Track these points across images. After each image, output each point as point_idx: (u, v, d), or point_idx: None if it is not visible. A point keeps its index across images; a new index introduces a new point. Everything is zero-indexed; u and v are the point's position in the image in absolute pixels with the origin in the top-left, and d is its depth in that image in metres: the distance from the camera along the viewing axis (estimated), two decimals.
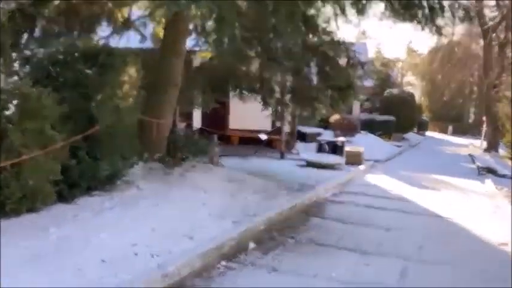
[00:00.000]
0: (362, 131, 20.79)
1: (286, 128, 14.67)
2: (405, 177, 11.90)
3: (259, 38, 8.67)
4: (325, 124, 18.18)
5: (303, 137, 16.63)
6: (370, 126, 22.62)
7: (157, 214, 5.26)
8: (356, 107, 25.71)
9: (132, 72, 5.61)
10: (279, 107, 10.92)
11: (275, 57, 9.13)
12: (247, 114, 13.38)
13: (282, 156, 13.46)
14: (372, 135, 20.83)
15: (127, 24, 8.56)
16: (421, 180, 11.72)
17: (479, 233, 6.64)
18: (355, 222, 6.77)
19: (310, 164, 12.18)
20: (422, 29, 7.01)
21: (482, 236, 6.45)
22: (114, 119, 5.33)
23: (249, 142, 14.30)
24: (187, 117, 14.09)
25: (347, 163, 13.02)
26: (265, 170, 10.86)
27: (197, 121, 15.38)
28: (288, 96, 10.78)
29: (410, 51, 46.23)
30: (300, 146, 16.00)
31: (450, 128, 37.87)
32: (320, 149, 13.47)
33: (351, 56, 8.95)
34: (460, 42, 29.11)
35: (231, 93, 11.19)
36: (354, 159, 13.17)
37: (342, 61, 9.77)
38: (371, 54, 35.74)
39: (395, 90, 26.44)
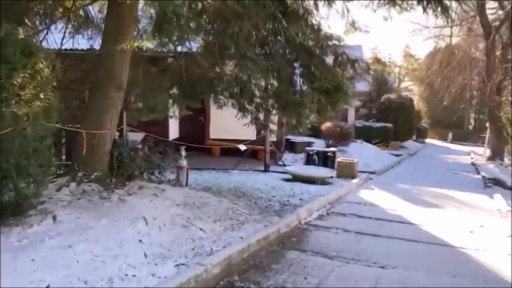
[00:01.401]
0: (357, 140, 19.43)
1: (273, 137, 13.27)
2: (404, 192, 10.48)
3: (231, 31, 7.33)
4: (317, 132, 16.78)
5: (292, 147, 15.23)
6: (366, 134, 21.33)
7: (65, 260, 3.83)
8: (351, 113, 24.39)
9: (40, 69, 4.19)
10: (260, 114, 9.49)
11: (250, 55, 7.79)
12: (230, 122, 11.97)
13: (266, 169, 12.06)
14: (368, 144, 19.47)
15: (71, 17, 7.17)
16: (422, 195, 10.31)
17: (497, 266, 5.25)
18: (343, 256, 5.35)
19: (296, 178, 10.78)
20: (425, 10, 5.62)
21: (503, 274, 5.05)
22: (8, 130, 3.91)
23: (232, 154, 12.90)
24: (161, 126, 12.68)
25: (339, 176, 11.64)
26: (243, 187, 9.47)
27: (173, 131, 14.00)
28: (269, 102, 9.37)
29: (408, 56, 45.08)
30: (288, 157, 14.63)
31: (450, 134, 36.55)
32: (308, 160, 12.09)
33: (338, 53, 7.56)
34: (459, 44, 27.86)
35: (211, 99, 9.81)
36: (347, 172, 11.77)
37: (330, 60, 8.40)
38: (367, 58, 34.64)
39: (392, 96, 25.10)
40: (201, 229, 5.06)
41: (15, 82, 3.97)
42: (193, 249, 4.71)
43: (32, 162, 4.14)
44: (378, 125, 22.64)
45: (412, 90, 45.46)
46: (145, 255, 4.22)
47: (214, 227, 5.33)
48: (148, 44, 4.54)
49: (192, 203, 5.84)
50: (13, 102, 3.97)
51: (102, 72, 6.05)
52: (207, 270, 4.22)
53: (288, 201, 8.21)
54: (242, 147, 10.70)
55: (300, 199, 8.44)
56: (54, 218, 4.48)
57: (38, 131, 4.12)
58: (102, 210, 4.93)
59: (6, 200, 4.23)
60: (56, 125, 4.58)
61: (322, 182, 10.70)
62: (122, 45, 4.78)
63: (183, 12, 4.66)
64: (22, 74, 3.97)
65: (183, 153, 8.26)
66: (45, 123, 4.18)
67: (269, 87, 9.29)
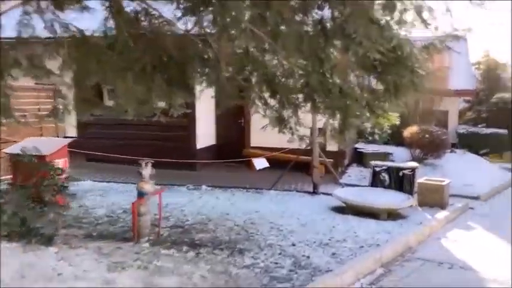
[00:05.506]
0: (458, 150, 15.02)
1: (332, 146, 9.79)
2: None
3: None
4: (398, 140, 12.83)
5: (361, 160, 11.54)
6: (472, 143, 16.79)
7: None
8: (453, 117, 19.72)
9: None
10: (285, 111, 6.21)
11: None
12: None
13: (315, 191, 8.62)
14: (473, 155, 14.97)
15: None
16: None
17: None
18: None
19: (350, 208, 7.26)
20: None
21: None
22: None
23: (279, 166, 9.58)
24: (185, 130, 9.87)
25: (421, 204, 7.86)
26: (260, 222, 6.27)
27: (206, 136, 11.08)
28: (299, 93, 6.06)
29: None
30: (355, 171, 10.96)
31: None
32: (375, 180, 8.40)
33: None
34: None
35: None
36: (433, 198, 7.92)
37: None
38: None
39: (507, 95, 20.00)
40: None
41: None
42: None
43: None
44: (488, 131, 17.90)
45: None
46: None
47: None
48: None
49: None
50: None
51: None
52: None
53: (308, 257, 4.82)
54: (259, 163, 7.36)
55: (333, 253, 4.99)
56: None
57: None
58: None
59: None
60: None
61: (390, 214, 7.08)
62: None
63: None
64: None
65: (146, 171, 5.26)
66: None
67: (295, 70, 5.96)
